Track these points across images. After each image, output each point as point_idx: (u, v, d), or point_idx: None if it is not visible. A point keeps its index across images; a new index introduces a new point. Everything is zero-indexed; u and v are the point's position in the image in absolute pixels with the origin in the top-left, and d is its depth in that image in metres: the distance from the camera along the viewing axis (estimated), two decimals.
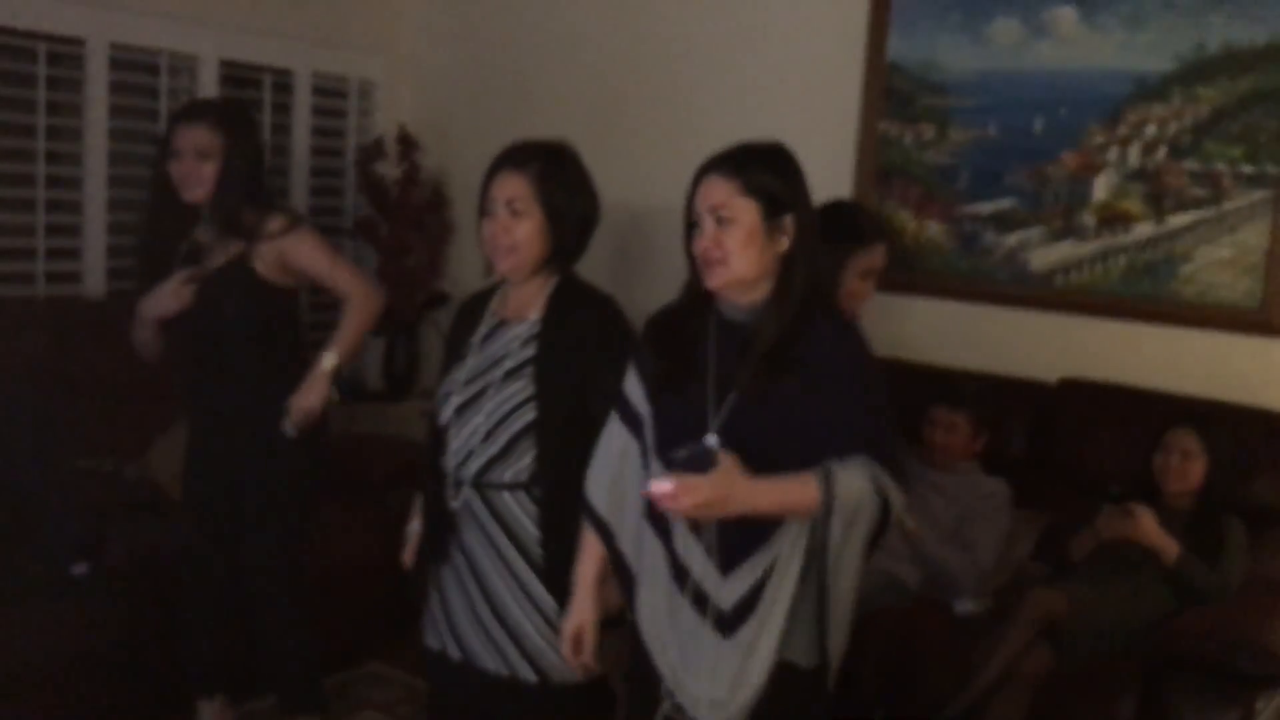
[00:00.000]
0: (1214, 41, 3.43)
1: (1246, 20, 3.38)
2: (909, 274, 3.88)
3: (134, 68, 4.03)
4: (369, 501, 3.71)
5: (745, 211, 2.03)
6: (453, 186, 4.75)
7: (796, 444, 2.00)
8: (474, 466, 2.42)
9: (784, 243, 2.05)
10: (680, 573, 2.09)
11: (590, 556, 2.26)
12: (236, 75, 4.31)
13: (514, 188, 2.39)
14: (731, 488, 1.92)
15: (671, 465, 1.95)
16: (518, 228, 2.39)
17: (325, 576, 3.28)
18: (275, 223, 2.83)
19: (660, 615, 2.14)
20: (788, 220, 2.05)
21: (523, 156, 2.43)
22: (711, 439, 2.02)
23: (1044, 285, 3.71)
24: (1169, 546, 3.04)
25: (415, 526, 2.60)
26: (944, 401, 3.46)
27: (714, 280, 2.05)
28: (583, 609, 2.27)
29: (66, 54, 3.83)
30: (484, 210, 2.43)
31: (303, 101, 4.54)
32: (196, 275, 2.78)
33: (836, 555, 1.99)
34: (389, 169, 4.68)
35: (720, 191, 2.04)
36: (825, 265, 2.41)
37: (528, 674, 2.44)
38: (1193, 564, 3.03)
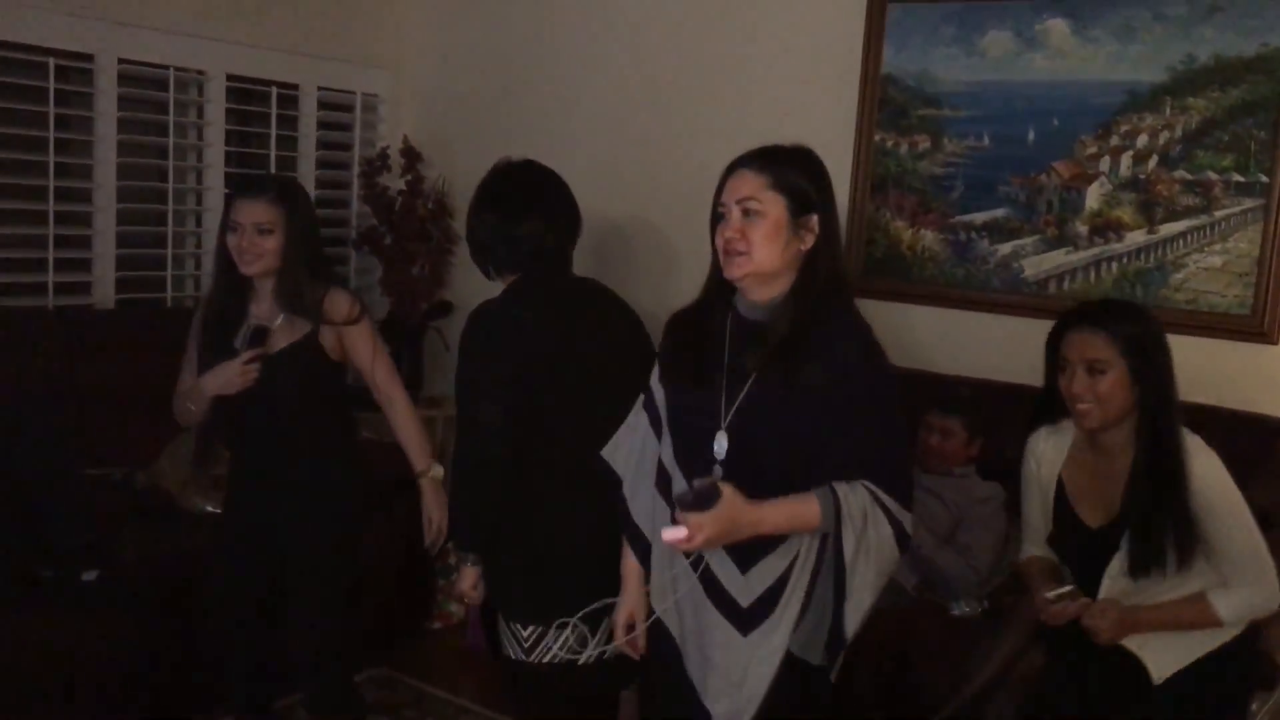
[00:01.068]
0: (1204, 53, 3.48)
1: (1236, 32, 3.43)
2: (905, 282, 3.94)
3: (143, 83, 4.09)
4: (374, 508, 3.76)
5: (772, 205, 2.07)
6: (455, 197, 4.79)
7: (805, 443, 2.05)
8: None
9: (808, 240, 2.09)
10: (703, 572, 2.15)
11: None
12: (243, 90, 4.37)
13: None
14: (736, 519, 1.97)
15: (680, 505, 2.00)
16: None
17: (356, 578, 3.28)
18: (343, 307, 2.87)
19: (685, 611, 2.20)
20: (813, 219, 2.09)
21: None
22: (720, 439, 2.08)
23: (1038, 293, 3.75)
24: None
25: None
26: (939, 407, 3.51)
27: (735, 270, 2.09)
28: (632, 599, 2.35)
29: (76, 69, 3.89)
30: None
31: (308, 115, 4.61)
32: (260, 356, 2.79)
33: (851, 565, 2.05)
34: (393, 181, 4.74)
35: (749, 185, 2.09)
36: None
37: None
38: None
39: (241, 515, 3.00)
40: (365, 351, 2.93)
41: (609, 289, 2.84)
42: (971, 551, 3.32)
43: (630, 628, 2.35)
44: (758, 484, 2.01)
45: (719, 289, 2.17)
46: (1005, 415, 3.58)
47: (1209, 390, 3.41)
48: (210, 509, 3.50)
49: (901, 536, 2.07)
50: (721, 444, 2.09)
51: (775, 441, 2.07)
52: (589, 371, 2.60)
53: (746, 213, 2.07)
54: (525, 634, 2.61)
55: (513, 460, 2.54)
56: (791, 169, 2.10)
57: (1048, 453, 2.64)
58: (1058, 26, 3.67)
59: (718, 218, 2.14)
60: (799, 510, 2.02)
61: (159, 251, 4.20)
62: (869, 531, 2.03)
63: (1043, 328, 3.67)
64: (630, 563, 2.37)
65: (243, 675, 3.06)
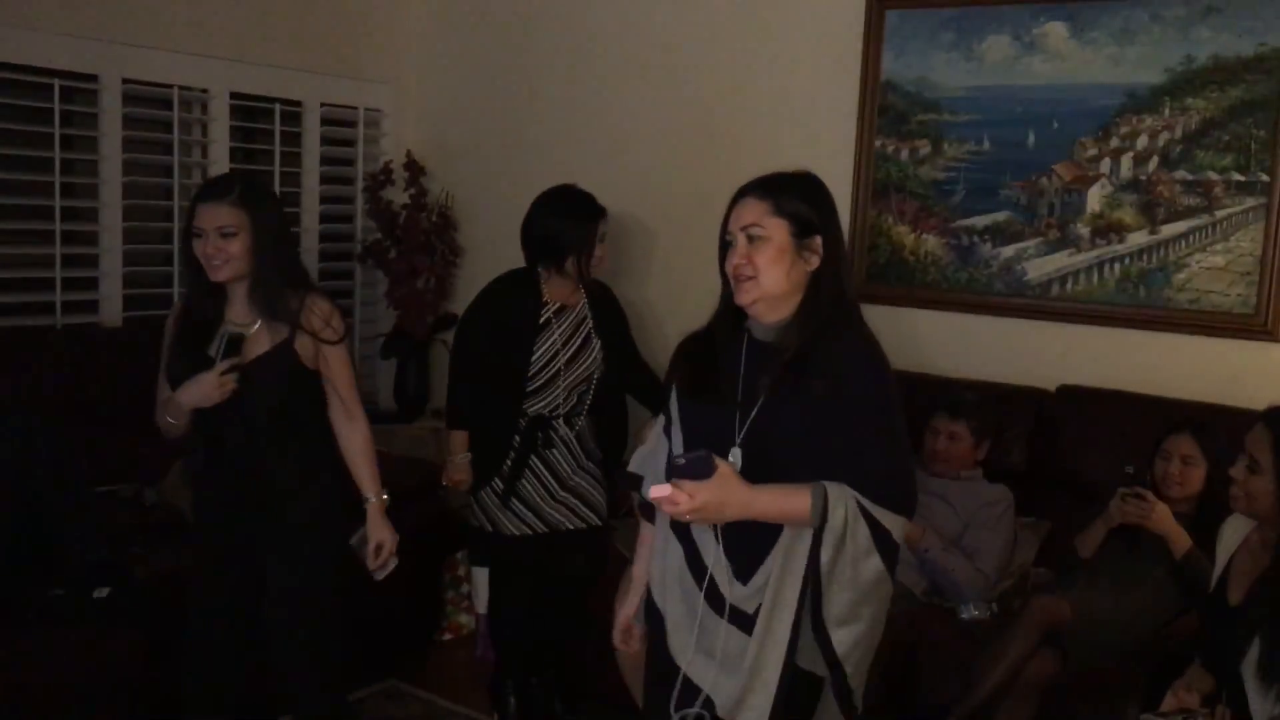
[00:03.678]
0: (1202, 54, 3.49)
1: (1233, 33, 3.44)
2: (908, 287, 3.96)
3: (147, 102, 4.11)
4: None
5: (776, 230, 2.13)
6: (459, 210, 4.82)
7: (816, 458, 2.08)
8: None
9: (813, 262, 2.15)
10: (706, 583, 2.16)
11: (647, 554, 2.36)
12: (247, 107, 4.40)
13: None
14: (727, 494, 2.00)
15: (671, 471, 2.03)
16: None
17: (341, 594, 3.29)
18: (322, 315, 2.76)
19: (682, 620, 2.21)
20: (816, 241, 2.15)
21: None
22: (735, 454, 2.11)
23: (1041, 295, 3.76)
24: (1180, 538, 3.03)
25: None
26: (945, 411, 3.51)
27: (745, 296, 2.14)
28: (635, 603, 2.38)
29: (81, 90, 3.92)
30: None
31: (312, 131, 4.63)
32: (238, 366, 2.70)
33: (828, 572, 2.07)
34: (397, 194, 4.76)
35: (753, 211, 2.15)
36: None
37: None
38: (1201, 559, 3.05)
39: (219, 534, 2.89)
40: (341, 375, 2.83)
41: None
42: (979, 555, 3.32)
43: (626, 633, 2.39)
44: None
45: (731, 314, 2.23)
46: (1011, 418, 3.61)
47: (1214, 389, 3.43)
48: None
49: (883, 539, 2.08)
50: (736, 460, 2.12)
51: (788, 457, 2.10)
52: None
53: (751, 239, 2.14)
54: None
55: None
56: (792, 194, 2.16)
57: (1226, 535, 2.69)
58: (1055, 30, 3.68)
59: (725, 245, 2.20)
60: (790, 499, 2.04)
61: (165, 269, 4.21)
62: (847, 536, 2.05)
63: (1047, 330, 3.74)
64: (642, 565, 2.38)
65: (222, 702, 2.97)
